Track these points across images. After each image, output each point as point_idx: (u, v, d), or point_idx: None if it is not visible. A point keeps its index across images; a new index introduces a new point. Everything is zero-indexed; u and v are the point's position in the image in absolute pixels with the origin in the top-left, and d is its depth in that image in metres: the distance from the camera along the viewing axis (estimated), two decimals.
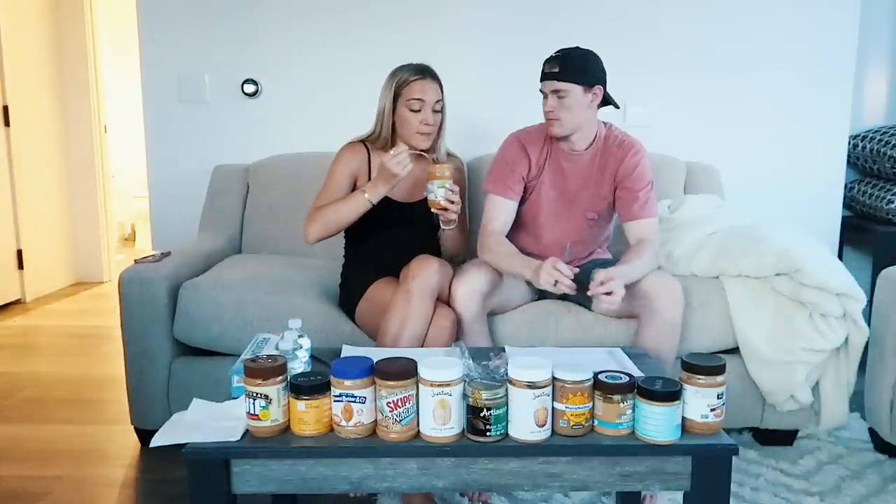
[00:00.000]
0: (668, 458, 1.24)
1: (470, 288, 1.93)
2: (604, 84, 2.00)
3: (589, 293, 1.80)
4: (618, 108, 2.09)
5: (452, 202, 1.96)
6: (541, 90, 2.01)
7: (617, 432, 1.25)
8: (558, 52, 1.99)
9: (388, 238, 2.12)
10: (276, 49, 2.96)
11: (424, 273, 1.87)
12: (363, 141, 2.17)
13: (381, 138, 2.12)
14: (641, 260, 1.95)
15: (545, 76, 1.99)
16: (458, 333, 1.92)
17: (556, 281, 1.80)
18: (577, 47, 2.00)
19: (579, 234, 2.13)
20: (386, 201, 2.09)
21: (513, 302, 2.11)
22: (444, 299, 1.95)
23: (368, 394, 1.24)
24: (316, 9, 2.93)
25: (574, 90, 1.95)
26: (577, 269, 1.83)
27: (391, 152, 1.94)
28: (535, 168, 2.09)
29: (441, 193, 1.95)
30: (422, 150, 2.09)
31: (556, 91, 1.96)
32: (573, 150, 2.07)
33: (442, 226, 2.06)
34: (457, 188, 1.97)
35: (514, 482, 1.26)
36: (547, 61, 1.99)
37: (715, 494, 1.25)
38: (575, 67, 1.96)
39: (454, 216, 2.00)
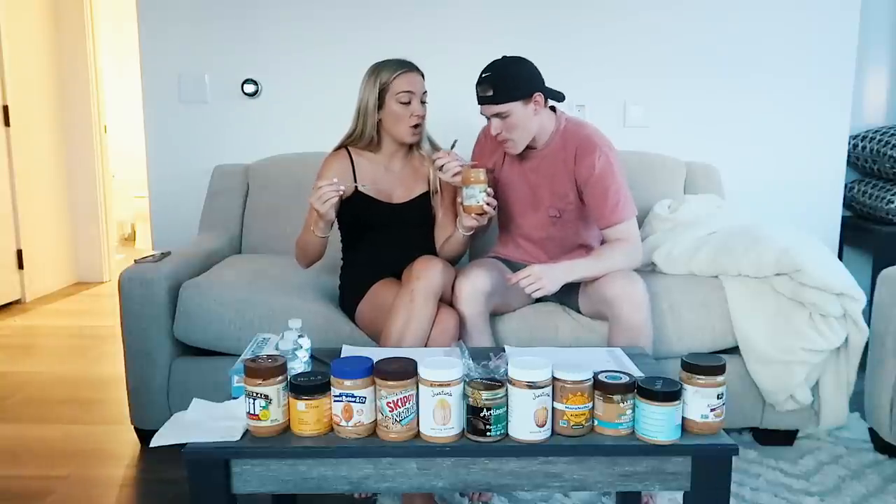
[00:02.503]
0: (668, 458, 1.24)
1: (473, 287, 1.92)
2: (540, 86, 1.98)
3: (511, 280, 1.91)
4: (562, 99, 2.04)
5: (489, 205, 1.92)
6: (481, 113, 2.00)
7: (617, 432, 1.25)
8: (486, 71, 1.97)
9: (384, 239, 2.12)
10: (276, 49, 2.96)
11: (428, 274, 1.86)
12: (346, 146, 2.13)
13: (366, 137, 2.08)
14: (603, 259, 1.98)
15: (481, 100, 1.96)
16: (460, 333, 1.91)
17: (444, 167, 1.92)
18: (504, 58, 1.98)
19: (544, 231, 2.13)
20: (377, 203, 2.09)
21: (514, 303, 2.11)
22: (447, 300, 1.95)
23: (368, 394, 1.24)
24: (316, 9, 2.93)
25: (514, 108, 1.94)
26: (458, 161, 1.94)
27: (315, 187, 1.88)
28: (497, 160, 2.12)
29: (483, 198, 1.91)
30: (411, 144, 2.10)
31: (496, 114, 1.95)
32: (530, 147, 2.07)
33: (463, 231, 2.01)
34: (492, 191, 1.94)
35: (514, 482, 1.26)
36: (479, 84, 1.96)
37: (715, 494, 1.25)
38: (507, 85, 1.94)
39: (486, 220, 1.97)
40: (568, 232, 2.14)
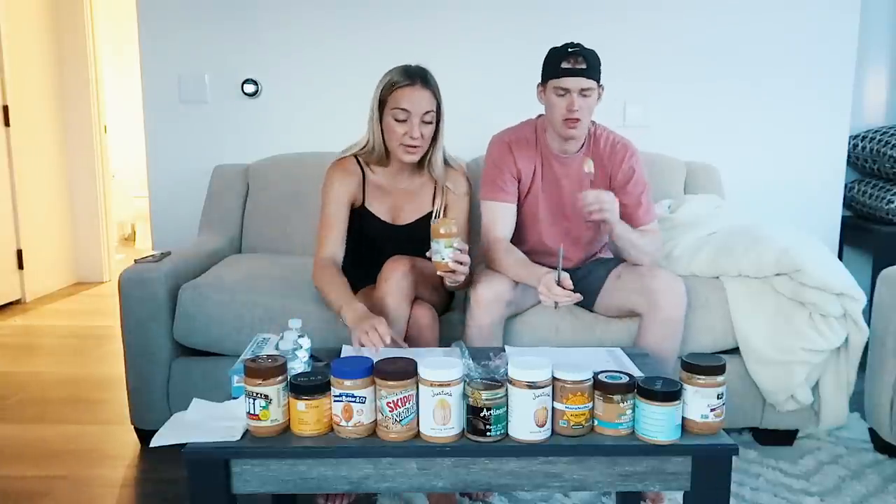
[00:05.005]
0: (668, 458, 1.24)
1: (496, 294, 1.89)
2: None
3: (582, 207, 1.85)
4: None
5: (461, 262, 1.73)
6: (558, 87, 1.89)
7: (617, 432, 1.25)
8: (574, 46, 1.90)
9: (383, 255, 1.97)
10: (276, 49, 2.96)
11: (395, 275, 1.82)
12: (356, 155, 2.02)
13: (376, 150, 1.95)
14: (643, 237, 1.97)
15: (570, 72, 1.87)
16: (471, 338, 1.89)
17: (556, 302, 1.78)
18: (573, 42, 1.94)
19: (580, 236, 2.12)
20: (382, 223, 2.02)
21: (527, 303, 2.08)
22: (425, 297, 1.92)
23: (368, 394, 1.24)
24: (316, 9, 2.93)
25: (595, 88, 1.92)
26: (570, 285, 1.77)
27: (372, 331, 1.62)
28: (526, 171, 2.04)
29: (448, 254, 1.70)
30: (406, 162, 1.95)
31: (583, 90, 1.89)
32: (565, 153, 2.04)
33: (448, 284, 1.83)
34: (466, 246, 1.76)
35: (514, 482, 1.26)
36: (566, 55, 1.88)
37: (715, 494, 1.25)
38: (597, 64, 1.91)
39: (462, 277, 1.77)
40: (597, 232, 2.15)
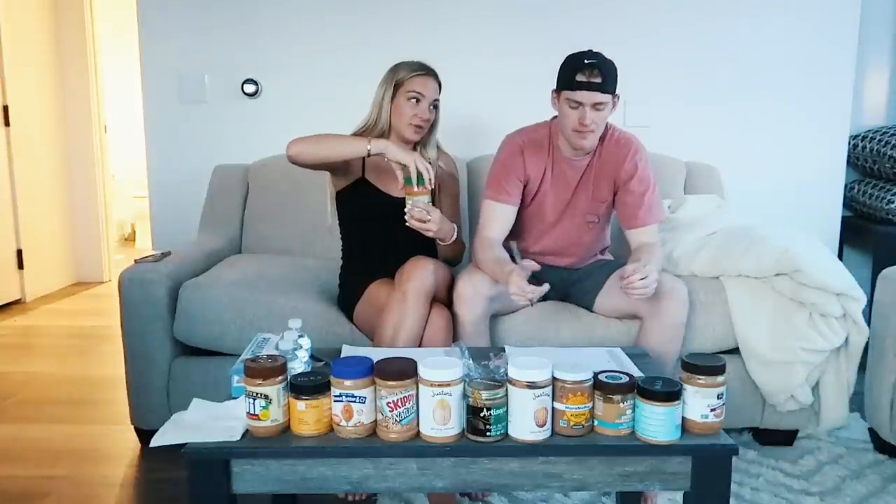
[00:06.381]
0: (668, 458, 1.24)
1: (475, 290, 1.90)
2: None
3: (623, 286, 1.79)
4: None
5: (423, 221, 1.89)
6: (571, 99, 1.87)
7: (617, 432, 1.25)
8: (591, 57, 1.85)
9: (384, 234, 2.12)
10: (276, 49, 2.96)
11: (420, 275, 1.86)
12: (357, 135, 2.14)
13: (378, 127, 2.11)
14: (655, 260, 1.93)
15: (584, 85, 1.83)
16: (456, 333, 1.91)
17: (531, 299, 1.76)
18: (591, 50, 1.89)
19: (579, 237, 2.12)
20: (380, 195, 2.11)
21: (516, 304, 2.09)
22: (440, 299, 1.95)
23: (368, 394, 1.24)
24: (316, 9, 2.93)
25: (610, 101, 1.88)
26: (537, 267, 1.79)
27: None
28: (535, 175, 2.04)
29: (406, 208, 1.90)
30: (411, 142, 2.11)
31: (597, 103, 1.85)
32: (575, 157, 2.03)
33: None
34: (430, 208, 1.91)
35: (514, 482, 1.26)
36: (581, 67, 1.84)
37: (715, 494, 1.25)
38: (613, 77, 1.86)
39: (430, 233, 1.94)
40: (597, 234, 2.14)
